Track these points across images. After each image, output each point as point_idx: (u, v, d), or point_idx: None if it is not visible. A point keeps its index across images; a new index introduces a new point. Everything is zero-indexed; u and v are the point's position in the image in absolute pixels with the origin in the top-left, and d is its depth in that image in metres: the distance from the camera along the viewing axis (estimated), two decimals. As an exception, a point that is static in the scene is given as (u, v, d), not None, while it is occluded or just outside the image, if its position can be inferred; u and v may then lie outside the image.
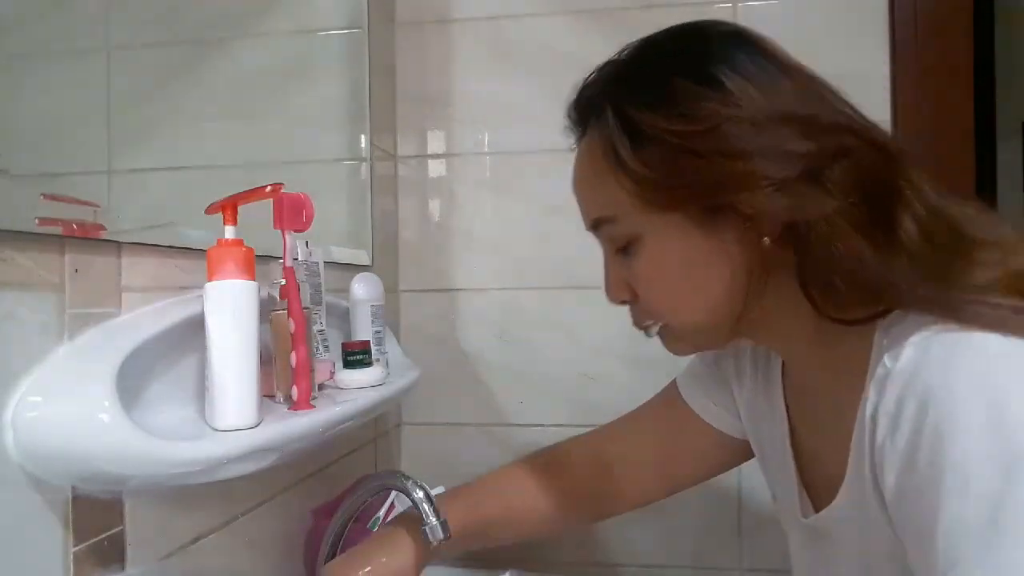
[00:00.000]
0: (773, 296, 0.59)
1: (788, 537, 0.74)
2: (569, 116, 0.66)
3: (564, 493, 0.85)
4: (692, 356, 0.83)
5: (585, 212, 0.65)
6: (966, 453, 0.46)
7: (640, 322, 0.66)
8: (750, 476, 1.19)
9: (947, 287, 0.52)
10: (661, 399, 0.86)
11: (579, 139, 0.66)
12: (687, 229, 0.58)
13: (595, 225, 0.64)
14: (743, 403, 0.78)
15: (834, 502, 0.61)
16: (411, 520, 0.77)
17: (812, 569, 0.70)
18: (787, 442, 0.70)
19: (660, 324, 0.65)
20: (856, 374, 0.56)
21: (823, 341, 0.60)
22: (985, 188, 1.30)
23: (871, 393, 0.53)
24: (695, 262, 0.60)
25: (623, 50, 0.64)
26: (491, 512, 0.83)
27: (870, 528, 0.56)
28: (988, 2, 1.57)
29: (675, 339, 0.66)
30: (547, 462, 0.87)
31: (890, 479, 0.51)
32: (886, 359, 0.52)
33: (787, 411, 0.71)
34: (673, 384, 0.85)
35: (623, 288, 0.65)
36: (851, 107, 0.60)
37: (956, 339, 0.50)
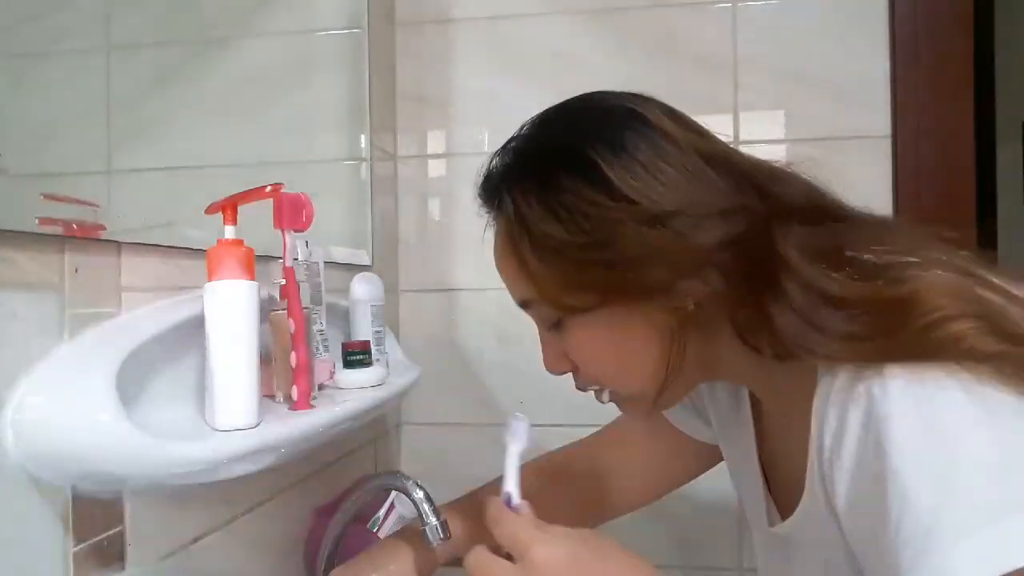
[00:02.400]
0: (713, 343, 0.61)
1: (755, 544, 0.75)
2: (479, 196, 0.67)
3: (565, 500, 0.85)
4: None
5: (510, 290, 0.67)
6: (903, 464, 0.47)
7: (585, 388, 0.68)
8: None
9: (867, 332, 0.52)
10: None
11: (494, 218, 0.67)
12: (608, 311, 0.59)
13: (521, 305, 0.66)
14: (714, 413, 0.79)
15: (795, 513, 0.62)
16: (413, 531, 0.77)
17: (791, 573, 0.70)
18: (754, 453, 0.71)
19: (607, 390, 0.66)
20: (803, 396, 0.57)
21: (769, 372, 0.61)
22: (985, 188, 1.30)
23: (817, 411, 0.55)
24: (624, 337, 0.61)
25: (523, 127, 0.65)
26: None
27: (828, 538, 0.56)
28: (988, 2, 1.57)
29: (628, 404, 0.67)
30: (545, 469, 0.88)
31: (840, 492, 0.53)
32: (827, 377, 0.54)
33: (754, 423, 0.72)
34: None
35: (562, 361, 0.66)
36: (742, 165, 0.60)
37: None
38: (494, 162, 0.66)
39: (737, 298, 0.56)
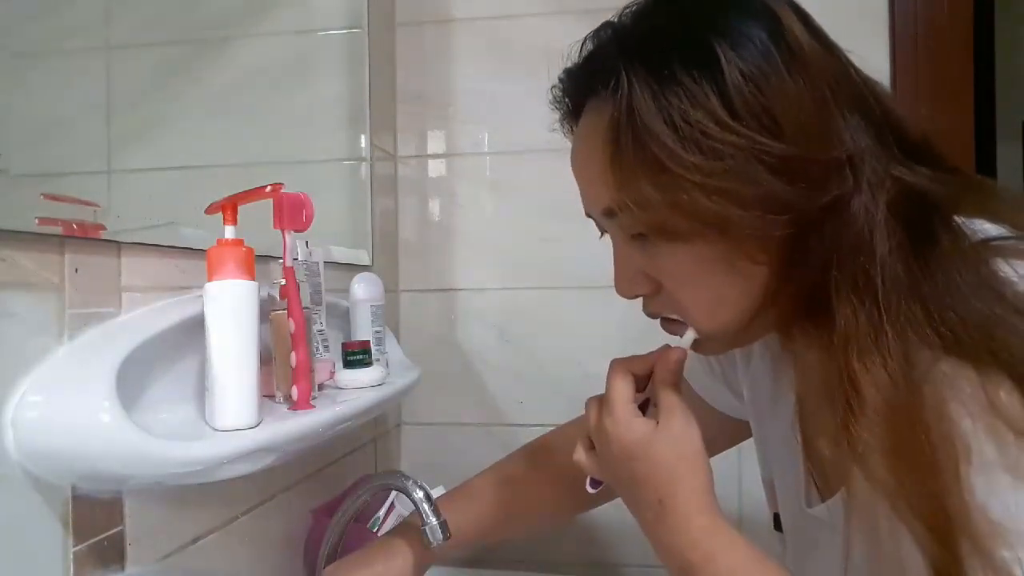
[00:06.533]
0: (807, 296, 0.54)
1: (783, 523, 0.70)
2: (571, 76, 0.59)
3: (560, 480, 0.82)
4: None
5: (589, 197, 0.58)
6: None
7: (656, 314, 0.60)
8: (750, 475, 1.19)
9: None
10: None
11: (573, 113, 0.59)
12: (707, 239, 0.53)
13: (603, 214, 0.57)
14: (748, 382, 0.74)
15: (840, 493, 0.58)
16: (411, 527, 0.77)
17: (806, 563, 0.67)
18: (795, 425, 0.66)
19: (684, 324, 0.59)
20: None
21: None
22: (985, 188, 1.30)
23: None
24: (722, 269, 0.54)
25: (634, 4, 0.56)
26: (489, 512, 0.83)
27: (885, 523, 0.52)
28: (988, 2, 1.57)
29: (709, 343, 0.60)
30: (537, 450, 0.87)
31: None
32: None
33: (798, 399, 0.66)
34: None
35: (639, 281, 0.58)
36: (871, 101, 0.54)
37: None
38: (603, 35, 0.57)
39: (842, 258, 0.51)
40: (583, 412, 0.63)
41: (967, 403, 0.46)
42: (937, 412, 0.47)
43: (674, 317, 0.59)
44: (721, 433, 0.80)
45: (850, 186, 0.51)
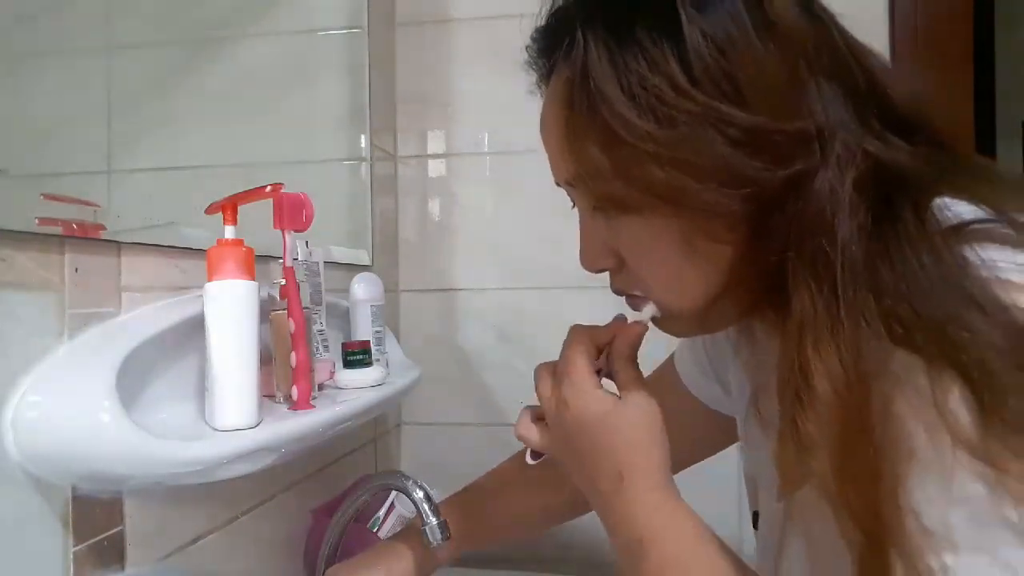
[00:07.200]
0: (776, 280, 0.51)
1: (761, 521, 0.68)
2: (535, 40, 0.56)
3: (559, 482, 0.81)
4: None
5: (553, 166, 0.56)
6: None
7: (622, 292, 0.57)
8: (750, 476, 1.19)
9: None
10: (657, 375, 0.81)
11: (545, 75, 0.56)
12: (667, 215, 0.50)
13: (565, 184, 0.55)
14: (735, 373, 0.71)
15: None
16: (414, 531, 0.77)
17: (780, 561, 0.63)
18: (751, 418, 0.65)
19: (649, 301, 0.56)
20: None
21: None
22: (985, 188, 1.29)
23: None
24: (683, 244, 0.51)
25: None
26: (493, 513, 0.83)
27: (819, 525, 0.50)
28: (988, 2, 1.57)
29: (669, 321, 0.57)
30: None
31: None
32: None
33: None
34: (670, 359, 0.81)
35: (605, 255, 0.55)
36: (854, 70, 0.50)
37: None
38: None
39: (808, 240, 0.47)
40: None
41: (914, 403, 0.43)
42: (884, 411, 0.44)
43: (638, 294, 0.56)
44: (709, 431, 0.78)
45: (816, 161, 0.47)
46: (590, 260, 0.56)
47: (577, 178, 0.53)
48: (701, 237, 0.50)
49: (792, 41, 0.48)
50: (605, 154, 0.49)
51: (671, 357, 0.82)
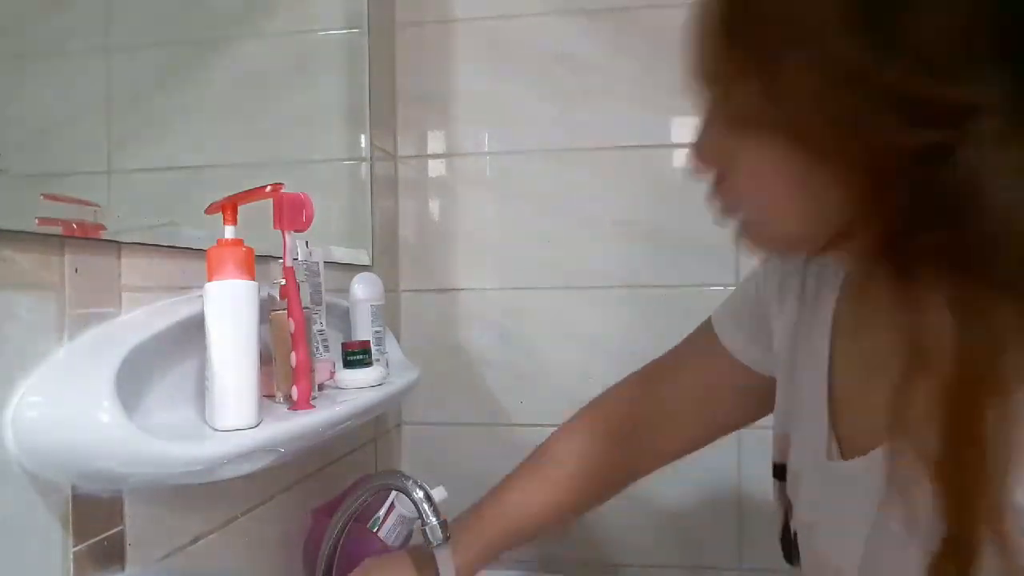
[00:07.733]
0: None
1: (792, 474, 0.67)
2: None
3: (559, 484, 0.83)
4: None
5: (695, 58, 0.54)
6: None
7: (721, 202, 0.56)
8: (750, 474, 1.19)
9: None
10: (694, 337, 0.81)
11: None
12: (799, 143, 0.49)
13: (704, 82, 0.53)
14: (779, 327, 0.70)
15: (870, 454, 0.54)
16: (419, 548, 0.78)
17: (824, 514, 0.63)
18: (823, 383, 0.63)
19: (747, 221, 0.55)
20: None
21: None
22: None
23: None
24: (810, 175, 0.49)
25: None
26: (506, 530, 0.83)
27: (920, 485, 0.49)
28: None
29: (758, 239, 0.56)
30: (537, 456, 0.87)
31: None
32: None
33: (831, 349, 0.63)
34: (708, 321, 0.80)
35: (716, 156, 0.54)
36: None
37: None
38: None
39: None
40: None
41: None
42: (1005, 408, 0.43)
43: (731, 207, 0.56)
44: (752, 394, 0.76)
45: (966, 135, 0.44)
46: (700, 158, 0.55)
47: (716, 82, 0.52)
48: (816, 180, 0.49)
49: (973, 4, 0.45)
50: (755, 71, 0.48)
51: (708, 320, 0.81)
